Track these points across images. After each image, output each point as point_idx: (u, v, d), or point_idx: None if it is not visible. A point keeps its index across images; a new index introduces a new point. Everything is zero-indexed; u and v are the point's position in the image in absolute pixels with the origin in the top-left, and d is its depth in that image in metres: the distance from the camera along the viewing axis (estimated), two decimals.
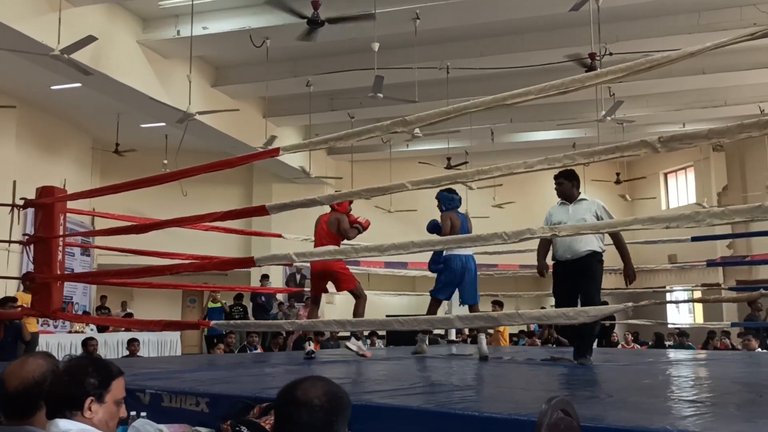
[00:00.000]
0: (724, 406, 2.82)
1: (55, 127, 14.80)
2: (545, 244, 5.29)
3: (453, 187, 5.54)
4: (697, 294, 14.44)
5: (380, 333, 13.88)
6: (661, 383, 3.87)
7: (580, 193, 5.26)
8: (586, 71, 8.86)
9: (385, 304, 16.74)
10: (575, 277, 5.01)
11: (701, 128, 2.65)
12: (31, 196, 5.67)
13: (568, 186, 5.20)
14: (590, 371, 4.62)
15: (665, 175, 19.90)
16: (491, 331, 10.95)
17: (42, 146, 14.28)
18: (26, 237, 5.65)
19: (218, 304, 12.35)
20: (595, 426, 2.13)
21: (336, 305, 17.43)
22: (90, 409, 1.93)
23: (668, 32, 10.38)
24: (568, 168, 4.94)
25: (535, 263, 5.23)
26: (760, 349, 9.64)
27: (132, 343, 9.68)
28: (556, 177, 5.22)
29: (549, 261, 5.26)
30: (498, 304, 10.90)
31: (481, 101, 3.09)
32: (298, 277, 16.01)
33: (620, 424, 2.17)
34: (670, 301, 15.00)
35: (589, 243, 5.04)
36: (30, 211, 5.87)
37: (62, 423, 1.91)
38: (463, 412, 2.49)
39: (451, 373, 4.59)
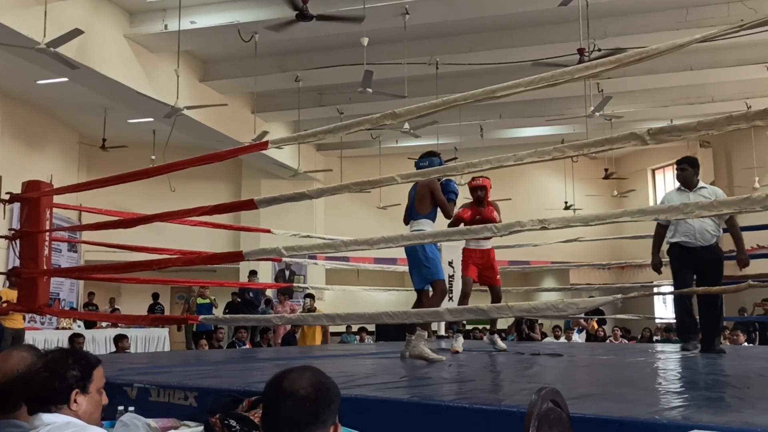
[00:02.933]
0: (711, 397, 2.84)
1: (42, 122, 14.68)
2: (661, 235, 5.22)
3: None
4: None
5: (369, 329, 13.88)
6: (648, 376, 3.89)
7: (698, 180, 5.18)
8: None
9: (374, 300, 16.75)
10: (704, 265, 5.02)
11: (690, 121, 2.66)
12: (17, 191, 5.61)
13: (690, 173, 5.12)
14: (578, 364, 4.64)
15: (653, 171, 20.01)
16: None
17: (28, 142, 14.15)
18: (12, 232, 5.59)
19: (207, 301, 12.30)
20: (584, 416, 2.13)
21: (325, 301, 17.44)
22: (75, 401, 1.92)
23: (656, 28, 10.43)
24: (692, 156, 5.16)
25: (524, 260, 5.28)
26: (746, 344, 9.73)
27: (121, 340, 9.56)
28: (679, 162, 5.19)
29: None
30: (311, 297, 10.95)
31: (471, 93, 3.08)
32: (287, 273, 16.00)
33: (608, 415, 2.18)
34: (659, 293, 15.11)
35: (715, 230, 5.08)
36: (16, 206, 5.81)
37: (46, 417, 1.89)
38: (452, 404, 2.49)
39: (440, 367, 4.59)
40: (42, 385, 1.91)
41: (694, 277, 5.11)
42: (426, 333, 4.68)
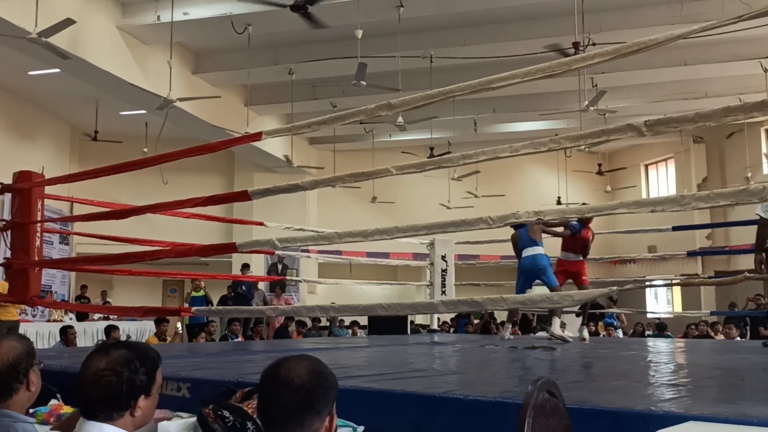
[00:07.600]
0: (705, 389, 2.84)
1: (33, 113, 14.57)
2: (764, 236, 4.28)
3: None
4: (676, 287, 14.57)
5: (362, 322, 13.87)
6: (643, 368, 3.90)
7: None
8: None
9: (366, 294, 16.74)
10: None
11: (687, 113, 2.65)
12: (8, 182, 5.56)
13: None
14: (573, 357, 4.64)
15: (646, 166, 20.07)
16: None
17: (19, 133, 14.05)
18: (3, 223, 5.55)
19: (201, 293, 12.24)
20: (580, 407, 2.12)
21: (318, 294, 17.43)
22: (139, 406, 1.75)
23: (650, 23, 10.40)
24: None
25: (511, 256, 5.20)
26: (739, 338, 9.79)
27: (113, 331, 9.50)
28: None
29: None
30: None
31: (466, 84, 3.06)
32: (279, 266, 15.95)
33: (604, 406, 2.18)
34: (653, 285, 15.14)
35: None
36: (7, 197, 5.76)
37: (93, 426, 1.70)
38: (447, 395, 2.48)
39: (434, 360, 4.59)
40: (106, 389, 1.70)
41: None
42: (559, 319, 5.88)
